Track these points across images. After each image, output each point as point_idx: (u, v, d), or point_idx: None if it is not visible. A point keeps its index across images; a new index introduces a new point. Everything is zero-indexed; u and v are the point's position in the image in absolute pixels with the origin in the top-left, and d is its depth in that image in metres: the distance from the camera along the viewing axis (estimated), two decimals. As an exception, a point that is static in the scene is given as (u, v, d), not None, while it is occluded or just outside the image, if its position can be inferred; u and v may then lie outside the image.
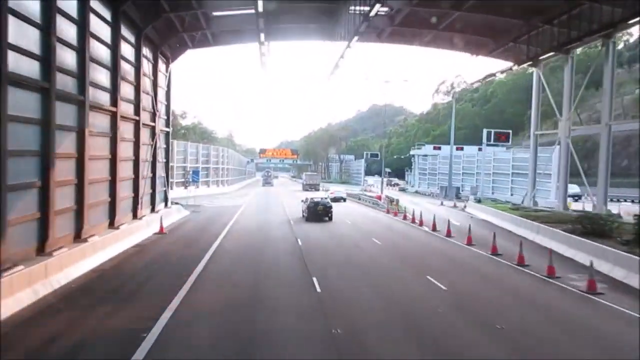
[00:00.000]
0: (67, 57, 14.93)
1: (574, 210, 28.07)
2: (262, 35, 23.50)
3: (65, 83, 14.78)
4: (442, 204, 43.05)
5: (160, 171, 27.56)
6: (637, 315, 10.64)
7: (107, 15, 18.46)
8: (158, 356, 8.02)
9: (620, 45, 77.19)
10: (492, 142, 38.43)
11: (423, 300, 11.81)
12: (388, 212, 34.21)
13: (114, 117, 19.20)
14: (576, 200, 33.15)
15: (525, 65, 32.99)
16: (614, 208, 26.72)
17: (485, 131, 39.42)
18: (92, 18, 16.59)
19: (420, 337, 9.31)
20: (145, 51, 23.88)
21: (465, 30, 27.27)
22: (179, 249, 18.74)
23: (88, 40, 15.97)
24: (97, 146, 17.60)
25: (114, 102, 19.18)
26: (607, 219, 20.57)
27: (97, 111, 17.55)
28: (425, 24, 26.72)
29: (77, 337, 8.95)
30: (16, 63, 11.71)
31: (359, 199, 47.64)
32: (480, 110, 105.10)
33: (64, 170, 14.88)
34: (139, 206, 22.66)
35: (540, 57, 30.04)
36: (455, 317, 10.44)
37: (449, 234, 22.59)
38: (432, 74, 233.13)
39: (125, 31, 20.45)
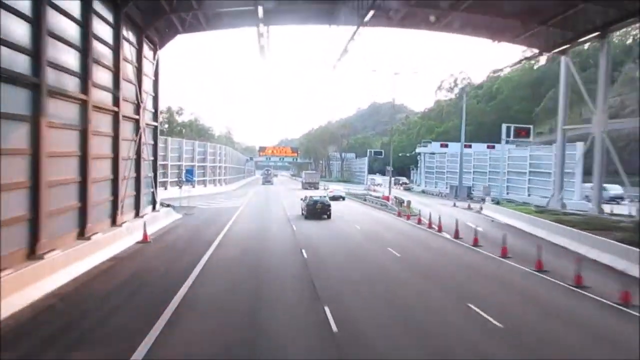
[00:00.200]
0: (15, 28, 11.89)
1: (612, 214, 25.13)
2: (261, 10, 20.41)
3: (12, 60, 11.75)
4: (454, 205, 40.08)
5: (146, 170, 24.54)
6: None
7: (76, -15, 15.45)
8: None
9: (629, 40, 74.45)
10: (511, 138, 35.41)
11: (474, 344, 8.79)
12: (399, 215, 31.19)
13: (84, 106, 16.15)
14: (618, 203, 30.15)
15: (546, 54, 29.86)
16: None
17: (504, 126, 36.36)
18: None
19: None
20: (127, 33, 20.83)
21: (489, 11, 24.22)
22: (161, 263, 15.73)
23: (44, 9, 12.92)
24: (61, 141, 14.58)
25: (85, 88, 16.14)
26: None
27: (60, 98, 14.52)
28: (442, 5, 23.72)
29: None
30: None
31: (365, 200, 44.64)
32: (485, 107, 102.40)
33: (12, 170, 11.85)
34: (119, 211, 19.64)
35: (572, 42, 26.97)
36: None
37: (476, 243, 19.59)
38: (432, 72, 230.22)
39: (99, 6, 17.41)
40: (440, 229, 23.82)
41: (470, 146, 65.37)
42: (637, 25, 24.16)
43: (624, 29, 48.26)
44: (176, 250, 18.20)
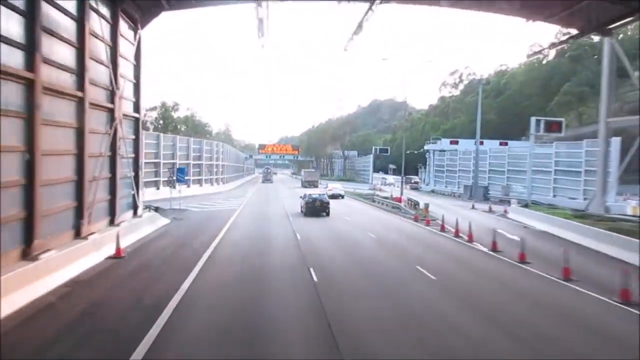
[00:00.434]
0: None
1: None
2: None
3: None
4: (473, 207, 36.42)
5: (125, 170, 20.89)
6: None
7: None
8: None
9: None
10: (540, 133, 31.76)
11: None
12: (416, 219, 27.53)
13: (30, 87, 12.49)
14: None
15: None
16: None
17: (533, 120, 32.60)
18: None
19: None
20: (96, 3, 17.15)
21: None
22: (129, 291, 12.07)
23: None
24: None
25: (31, 64, 12.47)
26: None
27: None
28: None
29: None
30: None
31: (373, 201, 41.00)
32: (493, 102, 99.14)
33: None
34: (84, 220, 15.97)
35: (622, 20, 23.25)
36: None
37: (523, 259, 15.94)
38: (434, 69, 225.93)
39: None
40: (471, 239, 20.17)
41: (482, 143, 61.90)
42: None
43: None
44: (153, 270, 14.54)
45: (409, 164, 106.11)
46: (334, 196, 41.69)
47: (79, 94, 15.58)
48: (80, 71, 15.64)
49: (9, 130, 11.68)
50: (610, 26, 24.01)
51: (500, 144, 58.67)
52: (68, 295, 11.38)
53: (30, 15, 12.48)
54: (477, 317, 10.17)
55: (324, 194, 32.51)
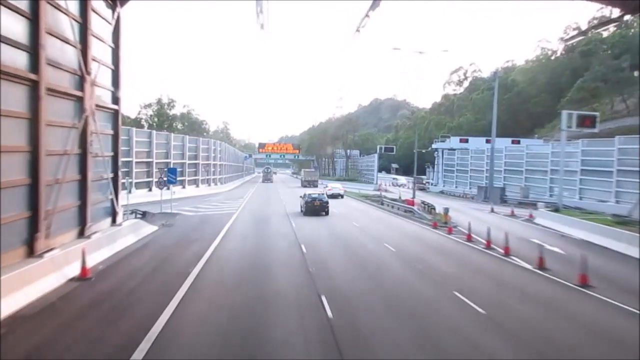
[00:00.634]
0: None
1: None
2: None
3: None
4: (492, 210, 33.29)
5: (99, 170, 17.80)
6: None
7: None
8: None
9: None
10: (573, 129, 28.57)
11: None
12: (435, 226, 24.40)
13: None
14: None
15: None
16: None
17: (565, 113, 29.39)
18: None
19: None
20: (59, -32, 14.05)
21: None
22: (84, 333, 9.00)
23: None
24: None
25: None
26: None
27: None
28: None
29: None
30: None
31: (382, 204, 37.85)
32: (500, 99, 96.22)
33: None
34: (40, 233, 12.86)
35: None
36: None
37: (584, 282, 12.81)
38: (436, 68, 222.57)
39: None
40: (507, 252, 17.05)
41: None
42: None
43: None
44: (122, 298, 11.41)
45: (409, 163, 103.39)
46: (334, 196, 42.18)
47: (32, 76, 12.46)
48: (33, 48, 12.51)
49: None
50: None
51: (513, 142, 55.68)
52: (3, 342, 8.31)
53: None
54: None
55: (323, 194, 32.69)
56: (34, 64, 12.52)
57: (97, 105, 17.15)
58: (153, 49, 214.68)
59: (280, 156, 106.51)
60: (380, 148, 72.07)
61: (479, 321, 9.90)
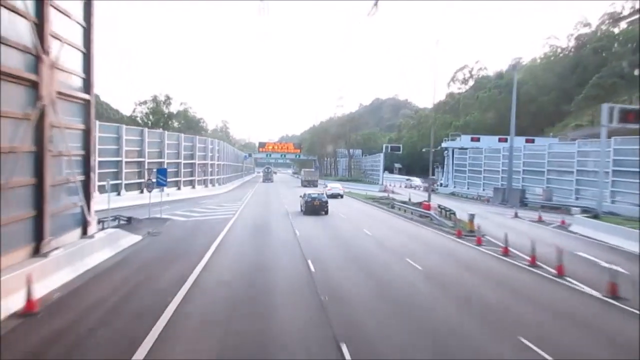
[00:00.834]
0: None
1: None
2: None
3: None
4: (516, 215, 30.17)
5: (65, 172, 14.72)
6: None
7: None
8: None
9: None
10: (614, 124, 25.38)
11: None
12: (460, 235, 21.27)
13: None
14: None
15: None
16: None
17: (605, 107, 26.23)
18: None
19: None
20: None
21: None
22: None
23: None
24: None
25: None
26: None
27: None
28: None
29: None
30: None
31: (392, 207, 34.75)
32: (508, 97, 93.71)
33: None
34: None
35: None
36: None
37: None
38: (438, 66, 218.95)
39: None
40: (561, 272, 13.93)
41: (505, 140, 55.77)
42: None
43: None
44: (70, 347, 8.36)
45: (418, 163, 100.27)
46: (333, 195, 42.79)
47: (-44, 48, 9.35)
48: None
49: None
50: None
51: (527, 141, 52.58)
52: None
53: None
54: None
55: (322, 194, 33.18)
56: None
57: (60, 93, 14.04)
58: (150, 46, 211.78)
59: (281, 156, 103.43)
60: (387, 147, 68.85)
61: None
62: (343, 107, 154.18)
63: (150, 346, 8.19)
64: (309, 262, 15.20)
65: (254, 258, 16.40)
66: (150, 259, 16.11)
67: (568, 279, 13.57)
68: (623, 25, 77.92)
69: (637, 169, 27.81)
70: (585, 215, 25.05)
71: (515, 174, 41.51)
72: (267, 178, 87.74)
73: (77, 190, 15.54)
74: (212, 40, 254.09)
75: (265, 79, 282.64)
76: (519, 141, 51.10)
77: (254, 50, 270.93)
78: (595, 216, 24.04)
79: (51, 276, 12.14)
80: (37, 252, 12.68)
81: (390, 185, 64.97)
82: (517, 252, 17.12)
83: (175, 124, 66.76)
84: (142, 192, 39.66)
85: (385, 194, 49.20)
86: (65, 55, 14.44)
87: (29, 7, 12.34)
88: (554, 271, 14.18)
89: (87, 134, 16.32)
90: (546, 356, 7.93)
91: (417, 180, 63.97)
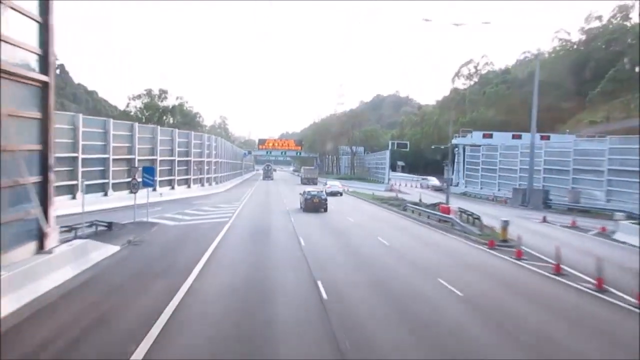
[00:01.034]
0: None
1: None
2: None
3: None
4: (544, 220, 27.08)
5: (13, 173, 11.62)
6: None
7: None
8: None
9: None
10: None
11: None
12: (493, 246, 18.17)
13: None
14: None
15: None
16: None
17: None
18: None
19: None
20: None
21: None
22: None
23: None
24: None
25: None
26: None
27: None
28: None
29: None
30: None
31: (404, 209, 31.66)
32: (516, 92, 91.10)
33: None
34: None
35: None
36: None
37: None
38: (440, 63, 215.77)
39: None
40: (643, 302, 10.86)
41: (519, 137, 52.67)
42: None
43: None
44: None
45: (422, 161, 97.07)
46: (333, 193, 42.97)
47: None
48: None
49: None
50: None
51: (542, 138, 49.52)
52: None
53: None
54: None
55: (322, 191, 33.75)
56: None
57: (5, 72, 10.93)
58: (148, 40, 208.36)
59: (282, 153, 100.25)
60: (393, 144, 65.64)
61: None
62: (344, 105, 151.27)
63: None
64: (320, 285, 12.12)
65: (250, 279, 13.28)
66: (122, 279, 13.02)
67: (655, 312, 10.48)
68: (636, 19, 75.20)
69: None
70: (633, 221, 21.94)
71: (536, 173, 38.32)
72: (267, 176, 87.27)
73: (28, 194, 12.42)
74: (211, 36, 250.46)
75: (265, 75, 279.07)
76: (535, 138, 48.04)
77: (253, 45, 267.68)
78: (645, 222, 20.96)
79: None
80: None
81: (396, 184, 61.89)
82: (572, 270, 14.03)
83: (171, 120, 63.51)
84: (131, 192, 36.59)
85: (394, 194, 46.13)
86: (12, 24, 11.32)
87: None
88: (633, 300, 11.09)
89: (44, 125, 13.18)
90: None
91: (434, 180, 60.40)
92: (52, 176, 13.59)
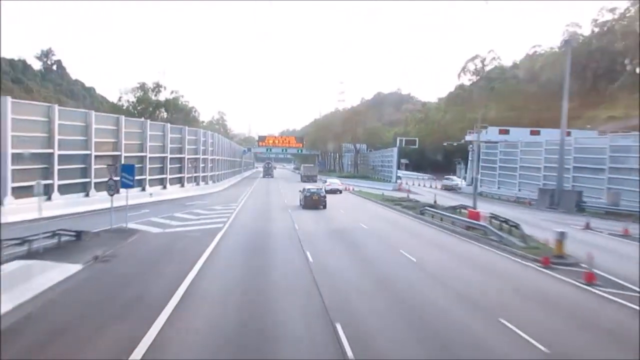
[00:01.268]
0: None
1: None
2: None
3: None
4: (587, 227, 23.47)
5: None
6: None
7: None
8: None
9: None
10: None
11: None
12: (547, 264, 14.57)
13: None
14: None
15: None
16: None
17: None
18: None
19: None
20: None
21: None
22: None
23: None
24: None
25: None
26: None
27: None
28: None
29: None
30: None
31: (422, 214, 28.03)
32: (527, 87, 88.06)
33: None
34: None
35: None
36: None
37: None
38: (442, 60, 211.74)
39: None
40: None
41: (538, 133, 49.05)
42: None
43: None
44: None
45: (427, 159, 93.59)
46: (332, 191, 43.03)
47: None
48: None
49: None
50: None
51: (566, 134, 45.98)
52: None
53: None
54: None
55: (321, 189, 34.27)
56: None
57: None
58: (146, 34, 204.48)
59: (282, 150, 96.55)
60: (401, 141, 61.97)
61: None
62: (344, 102, 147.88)
63: None
64: (340, 332, 8.58)
65: (242, 322, 9.62)
66: (66, 320, 9.44)
67: None
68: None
69: None
70: None
71: (566, 172, 34.58)
72: (268, 173, 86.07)
73: None
74: (212, 33, 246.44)
75: (266, 72, 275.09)
76: (554, 134, 44.42)
77: (254, 42, 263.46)
78: None
79: None
80: None
81: (404, 183, 58.29)
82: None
83: (165, 115, 59.84)
84: (117, 192, 32.95)
85: (404, 195, 42.56)
86: None
87: None
88: None
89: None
90: None
91: (457, 180, 56.56)
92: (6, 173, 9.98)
